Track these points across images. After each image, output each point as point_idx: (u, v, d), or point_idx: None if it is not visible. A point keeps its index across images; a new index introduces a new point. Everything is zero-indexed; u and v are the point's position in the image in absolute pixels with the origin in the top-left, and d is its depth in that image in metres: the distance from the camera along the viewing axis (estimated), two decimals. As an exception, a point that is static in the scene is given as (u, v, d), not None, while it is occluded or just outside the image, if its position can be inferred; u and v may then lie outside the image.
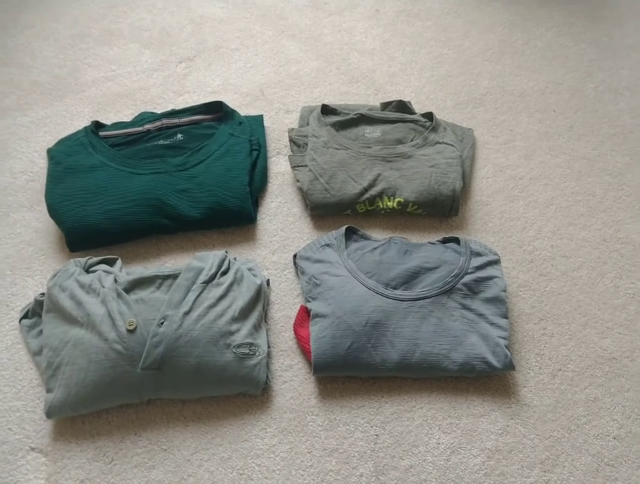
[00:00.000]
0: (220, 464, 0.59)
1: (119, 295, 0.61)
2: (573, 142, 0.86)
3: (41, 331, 0.62)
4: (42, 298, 0.63)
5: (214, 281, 0.63)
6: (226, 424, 0.61)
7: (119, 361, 0.58)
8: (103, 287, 0.61)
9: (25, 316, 0.65)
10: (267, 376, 0.61)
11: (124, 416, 0.61)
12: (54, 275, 0.63)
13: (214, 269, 0.64)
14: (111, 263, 0.66)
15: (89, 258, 0.66)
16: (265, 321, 0.67)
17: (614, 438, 0.62)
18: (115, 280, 0.62)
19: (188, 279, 0.62)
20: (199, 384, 0.60)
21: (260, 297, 0.65)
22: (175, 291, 0.61)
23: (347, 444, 0.60)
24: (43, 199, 0.72)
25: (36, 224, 0.74)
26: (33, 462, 0.58)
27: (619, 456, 0.61)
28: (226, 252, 0.67)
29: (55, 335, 0.59)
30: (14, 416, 0.61)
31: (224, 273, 0.65)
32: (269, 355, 0.64)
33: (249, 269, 0.67)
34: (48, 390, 0.59)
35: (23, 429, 0.60)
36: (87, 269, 0.65)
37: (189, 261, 0.65)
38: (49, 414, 0.58)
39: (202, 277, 0.62)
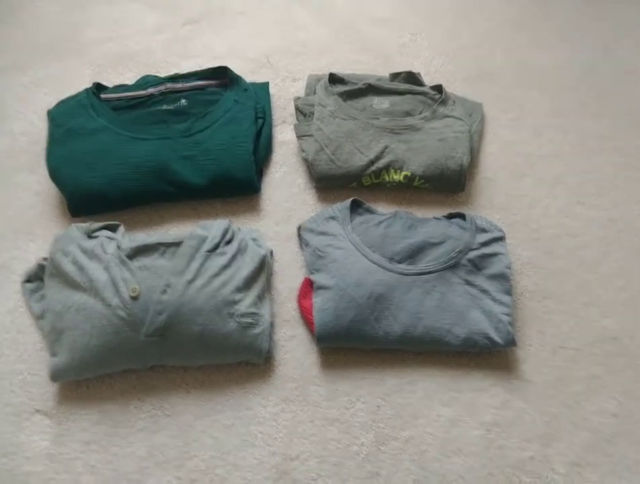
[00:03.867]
0: (223, 430, 0.59)
1: (122, 261, 0.60)
2: (585, 120, 0.85)
3: (43, 295, 0.62)
4: (44, 262, 0.63)
5: (218, 250, 0.62)
6: (229, 392, 0.61)
7: (122, 328, 0.58)
8: (106, 253, 0.60)
9: (28, 280, 0.64)
10: (269, 346, 0.62)
11: (127, 381, 0.61)
12: (57, 240, 0.62)
13: (217, 238, 0.63)
14: (113, 229, 0.65)
15: (91, 223, 0.65)
16: (269, 292, 0.67)
17: (613, 415, 0.62)
18: (118, 247, 0.62)
19: (192, 247, 0.62)
20: (202, 352, 0.60)
21: (264, 267, 0.65)
22: (179, 259, 0.61)
23: (349, 414, 0.61)
24: (44, 162, 0.70)
25: (37, 187, 0.73)
26: (38, 424, 0.59)
27: (617, 433, 0.61)
28: (230, 221, 0.66)
29: (58, 299, 0.59)
30: (17, 379, 0.61)
31: (228, 242, 0.64)
32: (272, 325, 0.64)
33: (253, 240, 0.67)
34: (52, 354, 0.59)
35: (27, 392, 0.60)
36: (89, 235, 0.64)
37: (193, 229, 0.64)
38: (54, 377, 0.58)
39: (206, 246, 0.62)
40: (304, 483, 0.57)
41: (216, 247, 0.63)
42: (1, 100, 0.80)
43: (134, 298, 0.58)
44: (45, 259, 0.63)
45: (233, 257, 0.63)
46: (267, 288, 0.66)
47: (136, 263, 0.61)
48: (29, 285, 0.64)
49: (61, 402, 0.60)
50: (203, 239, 0.63)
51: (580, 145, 0.82)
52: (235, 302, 0.60)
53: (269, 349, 0.61)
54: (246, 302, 0.61)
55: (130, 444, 0.58)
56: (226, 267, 0.62)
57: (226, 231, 0.64)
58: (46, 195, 0.72)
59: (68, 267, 0.60)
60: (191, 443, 0.58)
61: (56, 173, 0.69)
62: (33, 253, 0.68)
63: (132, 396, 0.61)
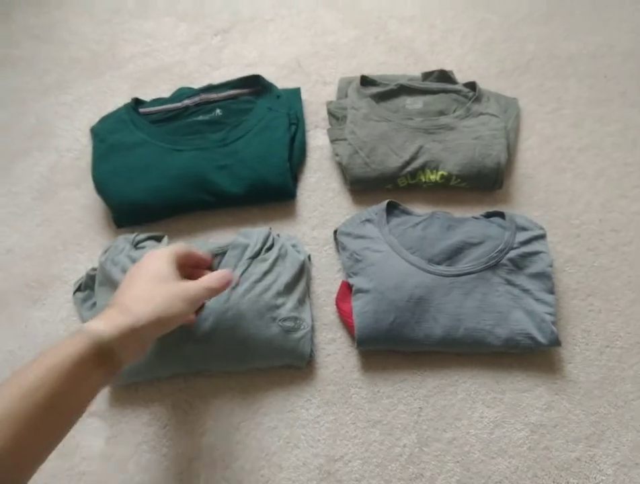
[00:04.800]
0: (267, 432, 0.61)
1: None
2: (626, 109, 0.82)
3: (94, 304, 0.65)
4: (93, 273, 0.66)
5: (260, 257, 0.64)
6: (272, 395, 0.63)
7: (169, 333, 0.60)
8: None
9: (79, 290, 0.68)
10: (311, 349, 0.63)
11: (174, 385, 0.63)
12: (106, 251, 0.65)
13: (258, 245, 0.65)
14: (158, 239, 0.68)
15: (137, 234, 0.67)
16: (309, 296, 0.68)
17: (663, 415, 0.61)
18: None
19: (235, 257, 0.63)
20: (245, 357, 0.61)
21: (303, 272, 0.66)
22: (223, 268, 0.63)
23: (391, 416, 0.61)
24: (89, 176, 0.73)
25: (84, 201, 0.76)
26: (92, 426, 0.62)
27: (668, 434, 0.60)
28: (270, 229, 0.67)
29: (108, 307, 0.62)
30: (72, 385, 0.64)
31: (269, 249, 0.65)
32: (313, 329, 0.65)
33: (293, 246, 0.68)
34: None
35: (81, 397, 0.63)
36: (136, 245, 0.66)
37: (235, 237, 0.66)
38: (105, 384, 0.61)
39: (248, 253, 0.64)
40: (348, 484, 0.58)
41: (258, 253, 0.64)
42: (47, 119, 0.84)
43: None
44: (94, 269, 0.66)
45: (274, 263, 0.64)
46: (307, 292, 0.67)
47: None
48: (79, 294, 0.67)
49: (113, 405, 0.63)
50: (245, 247, 0.64)
51: (622, 136, 0.80)
52: (277, 307, 0.62)
53: (311, 352, 0.62)
54: (287, 307, 0.62)
55: (178, 445, 0.60)
56: (267, 272, 0.63)
57: (266, 238, 0.66)
58: (92, 208, 0.76)
59: (118, 276, 0.62)
60: (236, 445, 0.60)
61: (101, 187, 0.72)
62: (82, 263, 0.71)
63: (180, 399, 0.63)
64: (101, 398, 0.63)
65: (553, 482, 0.58)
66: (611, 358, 0.64)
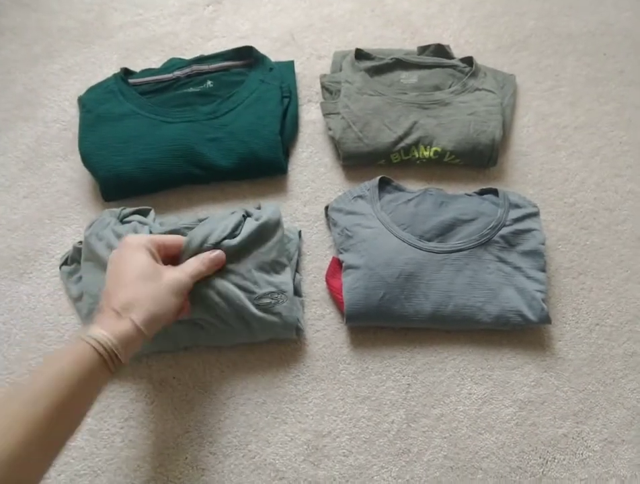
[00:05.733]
0: (255, 408, 0.60)
1: None
2: (624, 88, 0.81)
3: (80, 278, 0.64)
4: (80, 246, 0.65)
5: (225, 244, 0.59)
6: (260, 371, 0.62)
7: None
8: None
9: (65, 263, 0.67)
10: (298, 320, 0.62)
11: (163, 361, 0.63)
12: (90, 225, 0.64)
13: (227, 232, 0.60)
14: (145, 213, 0.66)
15: (123, 208, 0.66)
16: (298, 271, 0.67)
17: (651, 393, 0.61)
18: (150, 231, 0.63)
19: (198, 241, 0.59)
20: (231, 335, 0.60)
21: (277, 242, 0.62)
22: (186, 253, 0.59)
23: (379, 392, 0.61)
24: (76, 148, 0.72)
25: (71, 173, 0.75)
26: (78, 401, 0.61)
27: (655, 411, 0.60)
28: (240, 216, 0.63)
29: (94, 282, 0.61)
30: (59, 358, 0.63)
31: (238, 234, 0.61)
32: (302, 304, 0.65)
33: (262, 224, 0.62)
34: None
35: (68, 371, 0.63)
36: (122, 220, 0.65)
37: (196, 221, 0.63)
38: (92, 357, 0.60)
39: (212, 239, 0.59)
40: (335, 459, 0.58)
41: (224, 239, 0.60)
42: (34, 89, 0.82)
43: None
44: (81, 242, 0.65)
45: (241, 250, 0.60)
46: (294, 264, 0.66)
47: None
48: (66, 268, 0.66)
49: (101, 380, 0.62)
50: (210, 231, 0.59)
51: (618, 115, 0.79)
52: (249, 286, 0.59)
53: (297, 321, 0.61)
54: (261, 284, 0.60)
55: (166, 421, 0.60)
56: (234, 257, 0.60)
57: (236, 226, 0.61)
58: (79, 181, 0.74)
59: (103, 251, 0.61)
60: (224, 420, 0.60)
61: (88, 159, 0.71)
62: (69, 237, 0.70)
63: (168, 375, 0.62)
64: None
65: (540, 457, 0.58)
66: (600, 336, 0.64)
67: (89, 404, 0.44)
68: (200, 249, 0.57)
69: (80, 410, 0.43)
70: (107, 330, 0.45)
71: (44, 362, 0.42)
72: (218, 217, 0.62)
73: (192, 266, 0.54)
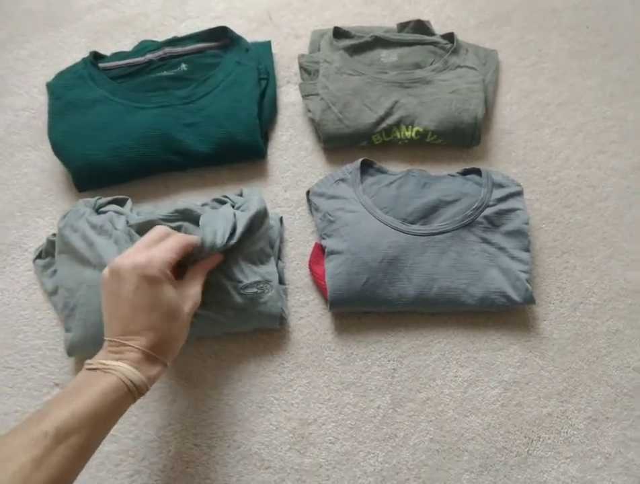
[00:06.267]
0: (240, 398, 0.60)
1: (131, 237, 0.59)
2: (607, 62, 0.80)
3: (55, 271, 0.62)
4: (54, 239, 0.63)
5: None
6: (244, 360, 0.61)
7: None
8: (116, 229, 0.60)
9: (39, 257, 0.65)
10: (282, 310, 0.61)
11: (143, 353, 0.62)
12: (65, 216, 0.62)
13: (228, 231, 0.58)
14: (121, 203, 0.65)
15: (99, 198, 0.64)
16: (280, 259, 0.66)
17: (634, 369, 0.61)
18: (127, 222, 0.61)
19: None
20: (215, 325, 0.59)
21: (260, 230, 0.61)
22: None
23: (365, 377, 0.61)
24: (46, 137, 0.69)
25: (42, 163, 0.72)
26: (58, 397, 0.60)
27: (638, 387, 0.60)
28: (231, 215, 0.60)
29: (70, 275, 0.59)
30: (36, 354, 0.62)
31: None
32: (285, 292, 0.64)
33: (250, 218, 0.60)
34: (67, 330, 0.59)
35: (46, 367, 0.61)
36: (97, 210, 0.63)
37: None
38: (69, 353, 0.59)
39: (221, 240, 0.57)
40: (322, 446, 0.58)
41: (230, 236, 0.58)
42: (1, 75, 0.79)
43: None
44: (54, 234, 0.63)
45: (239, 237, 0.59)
46: (278, 253, 0.65)
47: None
48: (40, 261, 0.64)
49: (81, 374, 0.61)
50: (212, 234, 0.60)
51: (601, 90, 0.78)
52: (235, 275, 0.58)
53: (282, 312, 0.61)
54: (247, 274, 0.59)
55: (147, 413, 0.59)
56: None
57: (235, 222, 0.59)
58: (51, 171, 0.72)
59: (78, 243, 0.59)
60: (208, 411, 0.59)
61: (58, 148, 0.68)
62: (43, 229, 0.68)
63: (150, 367, 0.61)
64: (67, 369, 0.61)
65: (525, 437, 0.58)
66: (584, 314, 0.64)
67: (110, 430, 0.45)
68: (212, 251, 0.56)
69: (103, 438, 0.44)
70: (142, 372, 0.45)
71: (72, 396, 0.42)
72: (210, 214, 0.59)
73: (199, 281, 0.54)
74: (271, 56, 0.79)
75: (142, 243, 0.50)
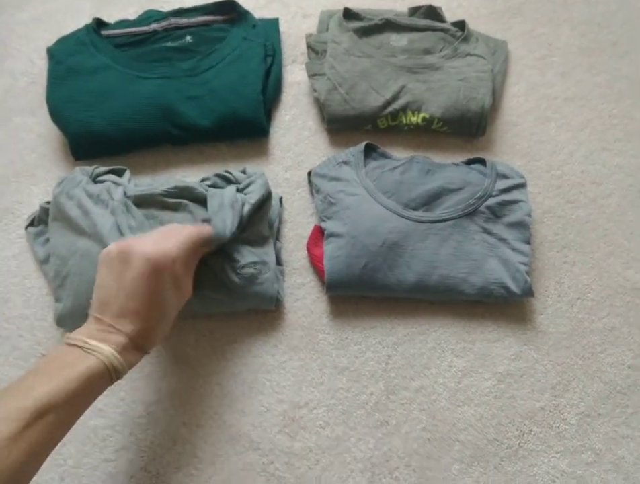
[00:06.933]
0: (231, 378, 0.59)
1: (128, 209, 0.58)
2: (616, 60, 0.79)
3: (47, 239, 0.60)
4: (47, 206, 0.61)
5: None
6: (237, 340, 0.60)
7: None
8: (112, 199, 0.58)
9: (31, 224, 0.63)
10: (278, 291, 0.60)
11: (134, 327, 0.60)
12: (60, 183, 0.60)
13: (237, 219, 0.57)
14: (119, 173, 0.63)
15: (96, 167, 0.62)
16: (278, 239, 0.65)
17: (629, 367, 0.61)
18: (125, 193, 0.59)
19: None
20: (210, 303, 0.58)
21: (263, 212, 0.60)
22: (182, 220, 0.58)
23: (359, 363, 0.60)
24: (44, 103, 0.67)
25: (39, 129, 0.70)
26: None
27: (632, 385, 0.60)
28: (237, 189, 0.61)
29: (62, 244, 0.58)
30: (24, 323, 0.60)
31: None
32: (282, 273, 0.63)
33: (252, 183, 0.61)
34: (57, 300, 0.58)
35: (34, 336, 0.60)
36: (94, 179, 0.61)
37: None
38: (59, 323, 0.58)
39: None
40: (312, 430, 0.57)
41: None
42: (2, 39, 0.76)
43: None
44: (49, 202, 0.61)
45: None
46: (276, 234, 0.64)
47: (142, 211, 0.58)
48: (32, 229, 0.63)
49: (69, 346, 0.60)
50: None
51: (609, 87, 0.77)
52: (232, 254, 0.58)
53: (277, 294, 0.60)
54: (244, 253, 0.58)
55: (137, 389, 0.58)
56: None
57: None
58: (48, 138, 0.70)
59: (73, 211, 0.58)
60: (199, 389, 0.58)
61: (56, 114, 0.67)
62: (36, 196, 0.66)
63: (140, 342, 0.60)
64: (55, 340, 0.60)
65: (517, 430, 0.58)
66: (581, 310, 0.63)
67: (86, 409, 0.44)
68: (219, 242, 0.55)
69: (78, 416, 0.43)
70: (124, 355, 0.44)
71: (52, 372, 0.41)
72: (216, 198, 0.57)
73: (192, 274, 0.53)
74: (278, 34, 0.77)
75: (158, 233, 0.50)
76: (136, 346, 0.46)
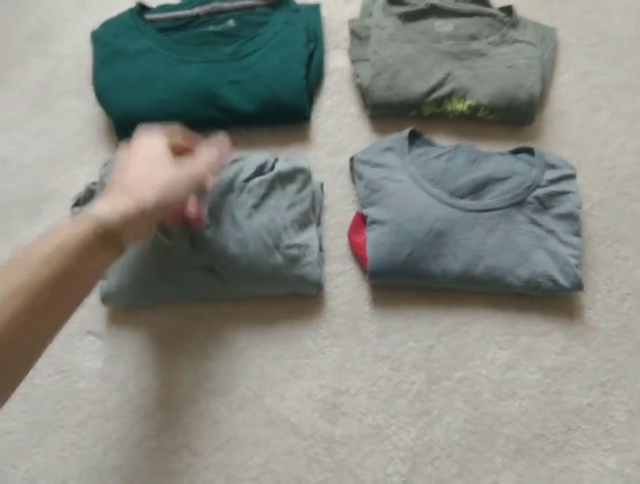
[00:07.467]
0: (271, 361, 0.59)
1: None
2: (671, 47, 0.76)
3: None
4: (93, 187, 0.62)
5: (256, 180, 0.60)
6: (278, 324, 0.60)
7: (170, 257, 0.57)
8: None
9: (77, 204, 0.64)
10: (320, 276, 0.59)
11: (177, 310, 0.61)
12: (106, 164, 0.61)
13: (254, 168, 0.60)
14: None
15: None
16: (319, 226, 0.64)
17: (682, 366, 0.59)
18: None
19: (229, 178, 0.60)
20: (251, 285, 0.58)
21: (310, 197, 0.61)
22: (217, 191, 0.59)
23: (400, 352, 0.59)
24: (89, 86, 0.68)
25: (85, 111, 0.71)
26: (90, 345, 0.60)
27: (684, 384, 0.58)
28: (270, 154, 0.63)
29: (108, 224, 0.58)
30: (70, 301, 0.61)
31: (267, 172, 0.61)
32: (322, 258, 0.62)
33: (299, 169, 0.61)
34: (102, 278, 0.58)
35: (79, 314, 0.58)
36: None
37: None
38: (104, 301, 0.58)
39: (242, 176, 0.60)
40: (353, 417, 0.56)
41: (255, 176, 0.60)
42: (47, 22, 0.78)
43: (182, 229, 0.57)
44: (94, 183, 0.62)
45: (271, 186, 0.60)
46: (317, 220, 0.63)
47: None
48: (77, 209, 0.63)
49: (111, 325, 0.60)
50: (240, 168, 0.60)
51: (664, 76, 0.74)
52: (279, 234, 0.58)
53: (319, 279, 0.59)
54: (291, 234, 0.59)
55: (179, 369, 0.58)
56: (265, 196, 0.59)
57: (263, 165, 0.61)
58: (93, 120, 0.71)
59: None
60: (239, 372, 0.58)
61: (102, 96, 0.67)
62: (82, 178, 0.67)
63: (182, 324, 0.60)
64: (99, 318, 0.61)
65: (563, 426, 0.56)
66: (633, 306, 0.61)
67: (90, 281, 0.43)
68: (232, 186, 0.57)
69: (80, 285, 0.42)
70: (111, 206, 0.43)
71: (45, 235, 0.40)
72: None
73: (207, 154, 0.53)
74: (320, 19, 0.76)
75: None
76: (124, 194, 0.45)
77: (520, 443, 0.55)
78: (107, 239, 0.42)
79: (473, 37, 0.72)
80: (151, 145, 0.50)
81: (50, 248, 0.39)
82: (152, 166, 0.48)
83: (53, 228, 0.41)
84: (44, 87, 0.73)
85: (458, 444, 0.55)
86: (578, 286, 0.58)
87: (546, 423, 0.56)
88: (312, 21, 0.75)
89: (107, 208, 0.43)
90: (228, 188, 0.59)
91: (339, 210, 0.66)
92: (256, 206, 0.58)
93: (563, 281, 0.58)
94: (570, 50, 0.76)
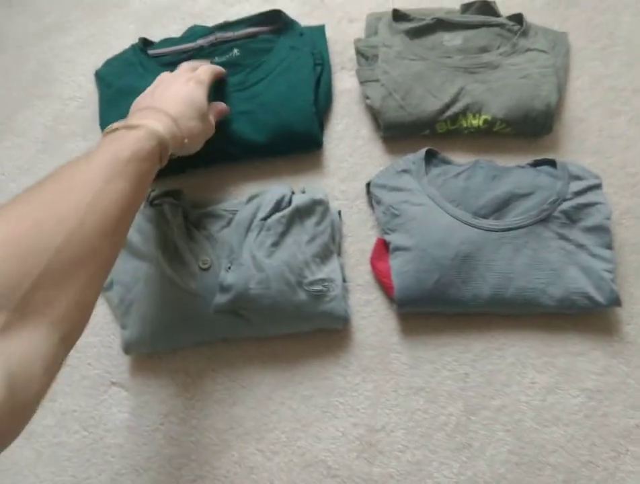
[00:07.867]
0: (302, 401, 0.57)
1: (189, 231, 0.57)
2: (685, 45, 0.74)
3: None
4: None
5: (273, 218, 0.58)
6: (306, 362, 0.58)
7: (191, 301, 0.55)
8: (172, 221, 0.57)
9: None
10: (346, 310, 0.58)
11: (199, 353, 0.59)
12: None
13: (271, 205, 0.58)
14: (177, 196, 0.62)
15: (152, 190, 0.61)
16: (339, 255, 0.62)
17: None
18: (184, 215, 0.58)
19: (246, 218, 0.58)
20: (275, 324, 0.57)
21: (329, 228, 0.59)
22: (236, 232, 0.57)
23: (435, 382, 0.57)
24: (95, 126, 0.67)
25: (92, 153, 0.70)
26: (115, 397, 0.58)
27: None
28: (287, 188, 0.61)
29: (126, 270, 0.57)
30: (92, 352, 0.60)
31: (285, 207, 0.59)
32: (346, 290, 0.60)
33: (316, 200, 0.60)
34: (123, 327, 0.57)
35: (102, 364, 0.59)
36: (151, 202, 0.61)
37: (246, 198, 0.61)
38: (126, 350, 0.57)
39: (260, 214, 0.58)
40: (391, 455, 0.54)
41: (270, 215, 0.58)
42: (48, 64, 0.77)
43: (204, 270, 0.55)
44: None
45: (290, 223, 0.58)
46: (337, 249, 0.62)
47: (203, 232, 0.57)
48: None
49: (135, 374, 0.59)
50: (257, 206, 0.58)
51: (680, 75, 0.72)
52: (301, 270, 0.56)
53: (345, 312, 0.57)
54: (313, 269, 0.57)
55: (207, 417, 0.56)
56: (284, 234, 0.58)
57: (280, 199, 0.59)
58: (102, 162, 0.69)
59: (134, 237, 0.57)
60: (270, 415, 0.56)
61: (110, 138, 0.66)
62: (94, 222, 0.66)
63: (206, 368, 0.59)
64: (123, 368, 0.59)
65: (612, 450, 0.54)
66: (673, 319, 0.59)
67: (144, 196, 0.46)
68: (251, 226, 0.57)
69: (141, 199, 0.45)
70: (162, 124, 0.47)
71: (106, 147, 0.43)
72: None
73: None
74: (325, 41, 0.74)
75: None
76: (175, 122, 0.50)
77: (568, 472, 0.53)
78: (162, 153, 0.47)
79: (484, 50, 0.70)
80: (199, 95, 0.56)
81: (122, 163, 0.41)
82: (170, 87, 0.55)
83: (113, 143, 0.43)
84: (50, 130, 0.72)
85: (504, 477, 0.53)
86: (616, 301, 0.56)
87: (594, 449, 0.54)
88: (317, 43, 0.73)
89: (160, 126, 0.47)
90: (247, 228, 0.57)
91: (359, 236, 0.65)
92: (276, 244, 0.57)
93: (599, 297, 0.56)
94: (581, 55, 0.74)
